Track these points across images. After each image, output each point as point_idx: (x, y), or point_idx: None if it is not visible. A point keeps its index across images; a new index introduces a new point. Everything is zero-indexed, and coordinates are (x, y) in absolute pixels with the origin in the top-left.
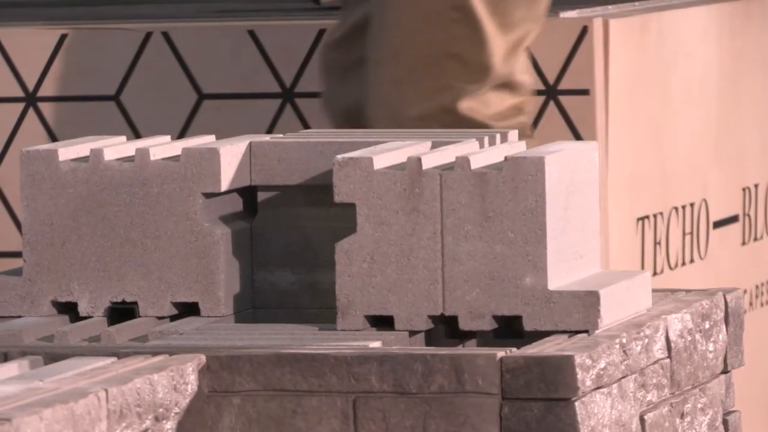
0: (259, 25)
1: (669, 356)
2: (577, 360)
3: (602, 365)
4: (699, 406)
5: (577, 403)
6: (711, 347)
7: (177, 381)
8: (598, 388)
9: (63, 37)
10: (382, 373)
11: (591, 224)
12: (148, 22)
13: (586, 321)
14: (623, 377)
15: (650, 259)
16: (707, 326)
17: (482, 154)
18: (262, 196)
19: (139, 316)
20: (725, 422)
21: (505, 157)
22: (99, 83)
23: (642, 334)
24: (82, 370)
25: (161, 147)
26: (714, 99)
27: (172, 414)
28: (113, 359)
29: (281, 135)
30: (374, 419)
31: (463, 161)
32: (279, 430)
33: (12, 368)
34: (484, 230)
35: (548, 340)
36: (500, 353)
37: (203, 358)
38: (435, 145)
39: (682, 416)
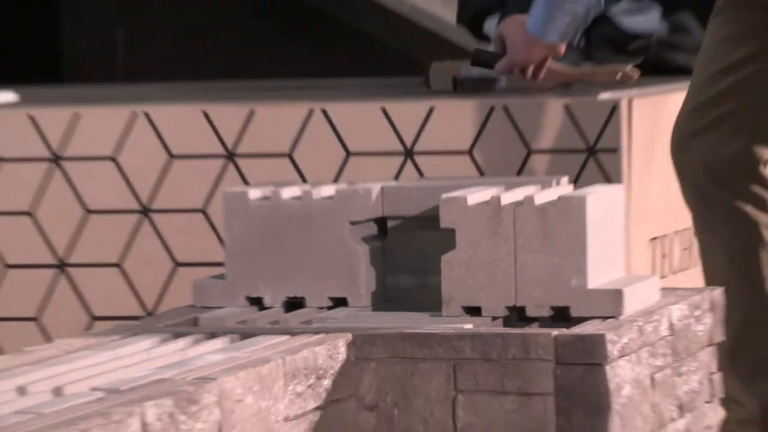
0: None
1: (672, 334)
2: (608, 337)
3: (625, 340)
4: (692, 368)
5: (607, 367)
6: (700, 328)
7: (332, 351)
8: (622, 356)
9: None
10: (474, 346)
11: (617, 243)
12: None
13: (614, 310)
14: (639, 349)
15: (659, 267)
16: (698, 313)
17: (542, 194)
18: (390, 224)
19: (306, 307)
20: (710, 380)
21: (559, 197)
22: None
23: (653, 318)
24: (266, 344)
25: (321, 189)
26: None
27: (329, 374)
28: (287, 337)
29: (402, 182)
30: (467, 379)
31: (529, 199)
32: (402, 386)
33: (217, 343)
34: (544, 247)
35: (588, 324)
36: (554, 332)
37: (350, 335)
38: (509, 187)
39: (680, 375)
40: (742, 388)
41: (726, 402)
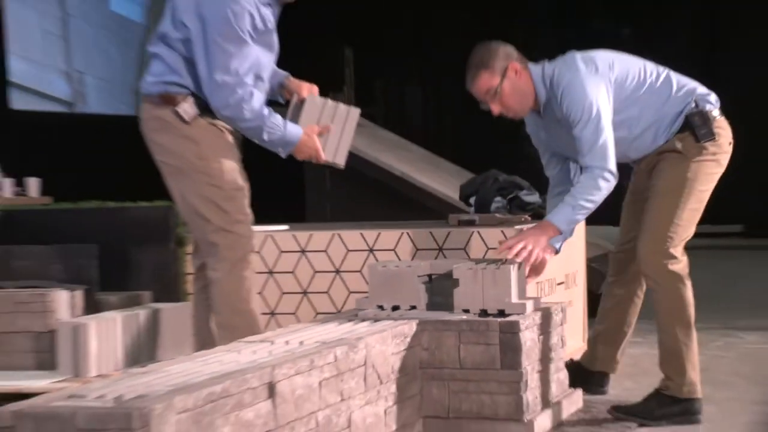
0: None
1: (542, 321)
2: (521, 322)
3: (527, 323)
4: (554, 335)
5: (519, 333)
6: (557, 319)
7: (409, 326)
8: (526, 329)
9: None
10: (468, 325)
11: (524, 282)
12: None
13: (522, 310)
14: (531, 326)
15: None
16: (555, 313)
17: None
18: (434, 274)
19: (400, 309)
20: (561, 337)
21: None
22: None
23: (533, 315)
24: (384, 324)
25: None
26: None
27: (409, 336)
28: (392, 321)
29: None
30: (466, 338)
31: (492, 265)
32: (438, 339)
33: (364, 323)
34: (496, 286)
35: (512, 317)
36: (499, 319)
37: (416, 321)
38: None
39: (547, 335)
40: None
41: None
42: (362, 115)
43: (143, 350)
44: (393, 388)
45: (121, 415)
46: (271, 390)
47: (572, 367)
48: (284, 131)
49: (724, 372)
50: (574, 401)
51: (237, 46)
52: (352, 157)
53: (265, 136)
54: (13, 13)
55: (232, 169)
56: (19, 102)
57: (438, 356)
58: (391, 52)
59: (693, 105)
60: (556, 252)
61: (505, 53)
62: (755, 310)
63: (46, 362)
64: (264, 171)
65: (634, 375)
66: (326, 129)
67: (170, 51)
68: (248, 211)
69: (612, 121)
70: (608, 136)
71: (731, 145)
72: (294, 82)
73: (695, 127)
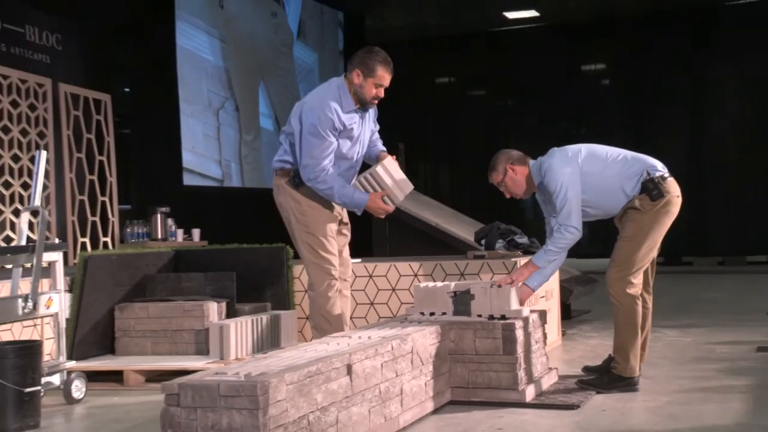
0: None
1: (532, 321)
2: (515, 323)
3: (520, 323)
4: (538, 331)
5: (515, 331)
6: (535, 318)
7: (440, 327)
8: (518, 329)
9: None
10: (482, 325)
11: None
12: None
13: (518, 314)
14: (519, 328)
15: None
16: (540, 316)
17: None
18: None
19: (435, 315)
20: (544, 334)
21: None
22: None
23: (524, 318)
24: (423, 324)
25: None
26: None
27: (437, 332)
28: (431, 323)
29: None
30: (480, 335)
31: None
32: (461, 336)
33: (410, 325)
34: (500, 298)
35: (511, 320)
36: (501, 321)
37: (441, 323)
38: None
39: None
40: None
41: None
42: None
43: (265, 342)
44: (430, 367)
45: (249, 386)
46: (349, 369)
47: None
48: (352, 198)
49: (654, 356)
50: (552, 377)
51: (319, 140)
52: (403, 213)
53: (337, 200)
54: (186, 123)
55: (323, 221)
56: (188, 180)
57: (461, 346)
58: (430, 145)
59: (645, 175)
60: (533, 290)
61: (506, 158)
62: (673, 314)
63: (202, 350)
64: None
65: (593, 359)
66: (384, 194)
67: (285, 140)
68: (334, 251)
69: (583, 192)
70: (573, 203)
71: (679, 198)
72: (383, 155)
73: (649, 190)
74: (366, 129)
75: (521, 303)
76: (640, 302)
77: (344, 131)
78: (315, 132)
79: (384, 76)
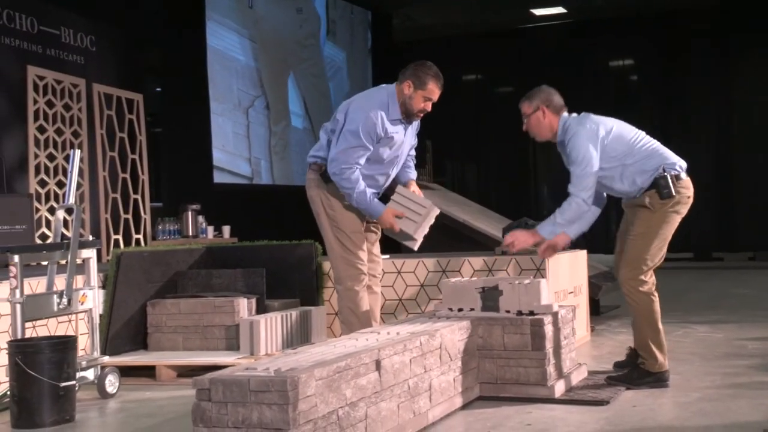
0: None
1: (559, 318)
2: (544, 318)
3: (549, 318)
4: (568, 328)
5: (544, 327)
6: (566, 315)
7: (469, 322)
8: (548, 324)
9: None
10: (511, 320)
11: (548, 293)
12: None
13: (547, 310)
14: (549, 323)
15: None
16: (568, 311)
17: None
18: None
19: (463, 310)
20: (572, 330)
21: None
22: None
23: (552, 314)
24: (452, 320)
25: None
26: None
27: (466, 327)
28: (460, 318)
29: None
30: (508, 331)
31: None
32: (489, 330)
33: (440, 320)
34: (528, 294)
35: (539, 315)
36: (529, 318)
37: (470, 319)
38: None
39: (565, 326)
40: None
41: None
42: (437, 182)
43: (295, 337)
44: (459, 363)
45: (279, 381)
46: (378, 365)
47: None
48: (368, 205)
49: (684, 352)
50: (581, 373)
51: (356, 140)
52: None
53: (354, 203)
54: (216, 122)
55: (351, 218)
56: (218, 177)
57: (489, 342)
58: (457, 143)
59: (661, 171)
60: (544, 239)
61: (546, 97)
62: (703, 310)
63: (232, 345)
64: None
65: (622, 354)
66: (401, 214)
67: (325, 135)
68: (363, 249)
69: (601, 168)
70: (590, 180)
71: (690, 198)
72: (411, 183)
73: (660, 187)
74: (407, 140)
75: (550, 255)
76: (656, 298)
77: (384, 138)
78: (355, 132)
79: (434, 90)
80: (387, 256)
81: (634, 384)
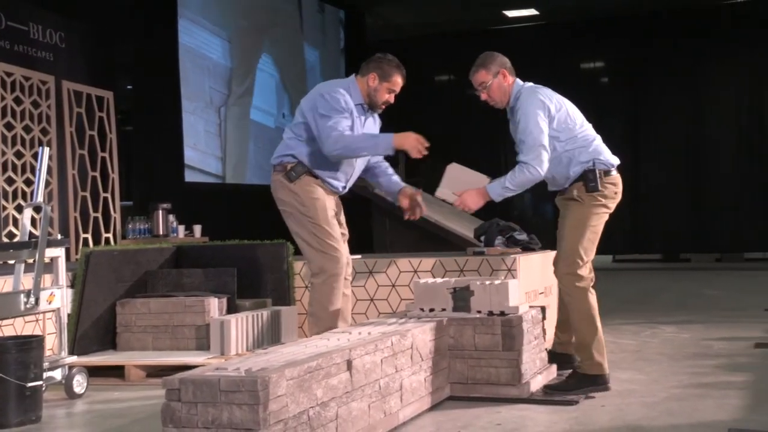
0: None
1: (524, 315)
2: (512, 317)
3: (516, 317)
4: (538, 328)
5: (514, 328)
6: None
7: (438, 322)
8: (520, 323)
9: None
10: (482, 321)
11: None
12: None
13: (513, 310)
14: (520, 322)
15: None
16: (537, 310)
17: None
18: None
19: (435, 311)
20: (544, 330)
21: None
22: None
23: (520, 313)
24: (424, 320)
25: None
26: None
27: (436, 326)
28: (430, 319)
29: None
30: (480, 330)
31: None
32: (461, 330)
33: (410, 321)
34: (499, 294)
35: (509, 316)
36: (501, 318)
37: (446, 318)
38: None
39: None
40: None
41: None
42: (410, 182)
43: (265, 337)
44: (430, 363)
45: (249, 381)
46: (349, 365)
47: (550, 353)
48: (376, 139)
49: (651, 353)
50: (551, 373)
51: (334, 115)
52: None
53: (369, 142)
54: (187, 120)
55: (324, 211)
56: (190, 176)
57: (460, 342)
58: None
59: (591, 164)
60: (492, 200)
61: (501, 62)
62: (670, 310)
63: (203, 345)
64: (349, 221)
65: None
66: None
67: (290, 134)
68: (339, 239)
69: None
70: (539, 147)
71: (618, 195)
72: (405, 190)
73: (587, 180)
74: (369, 130)
75: (465, 204)
76: (593, 295)
77: (351, 116)
78: (328, 108)
79: (398, 82)
80: (358, 256)
81: (572, 392)
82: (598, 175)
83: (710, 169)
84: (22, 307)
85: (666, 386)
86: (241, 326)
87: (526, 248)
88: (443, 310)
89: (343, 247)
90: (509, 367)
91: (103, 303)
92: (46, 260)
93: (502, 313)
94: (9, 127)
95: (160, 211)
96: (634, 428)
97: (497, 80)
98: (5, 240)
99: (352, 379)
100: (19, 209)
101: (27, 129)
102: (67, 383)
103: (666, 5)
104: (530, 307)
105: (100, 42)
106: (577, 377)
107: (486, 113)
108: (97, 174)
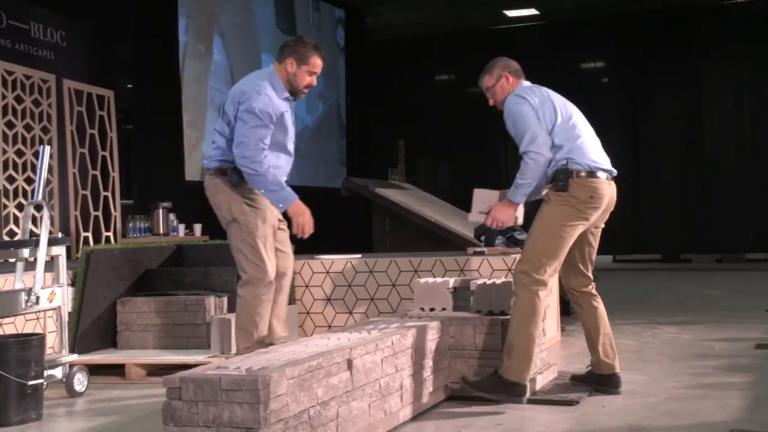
0: None
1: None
2: (502, 317)
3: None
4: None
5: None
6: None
7: (439, 322)
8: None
9: None
10: (479, 320)
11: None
12: None
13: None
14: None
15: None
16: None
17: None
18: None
19: (435, 310)
20: (543, 331)
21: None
22: None
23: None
24: (424, 320)
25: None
26: None
27: (436, 327)
28: (432, 318)
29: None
30: (476, 331)
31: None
32: (461, 329)
33: (411, 320)
34: (492, 294)
35: (503, 316)
36: (502, 318)
37: (442, 319)
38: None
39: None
40: None
41: None
42: (410, 182)
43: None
44: (430, 362)
45: (250, 380)
46: (350, 364)
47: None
48: (282, 189)
49: (652, 353)
50: (551, 373)
51: (256, 121)
52: (403, 209)
53: (264, 189)
54: (188, 120)
55: (261, 222)
56: (190, 175)
57: (461, 341)
58: (429, 142)
59: (564, 163)
60: (518, 204)
61: (505, 65)
62: (671, 311)
63: (203, 344)
64: (349, 221)
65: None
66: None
67: (221, 138)
68: (271, 252)
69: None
70: (534, 132)
71: (593, 199)
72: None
73: (556, 180)
74: (294, 122)
75: (497, 219)
76: (541, 303)
77: (279, 119)
78: (251, 111)
79: (317, 63)
80: (359, 256)
81: (483, 391)
82: (568, 176)
83: (710, 170)
84: (23, 306)
85: (667, 387)
86: None
87: None
88: (443, 309)
89: (283, 249)
90: None
91: (104, 301)
92: (47, 259)
93: (503, 313)
94: (10, 125)
95: (161, 210)
96: (635, 429)
97: (500, 83)
98: (6, 238)
99: (352, 379)
100: (20, 207)
101: (28, 127)
102: (67, 381)
103: (666, 5)
104: None
105: (101, 41)
106: (493, 378)
107: (486, 113)
108: (98, 172)
